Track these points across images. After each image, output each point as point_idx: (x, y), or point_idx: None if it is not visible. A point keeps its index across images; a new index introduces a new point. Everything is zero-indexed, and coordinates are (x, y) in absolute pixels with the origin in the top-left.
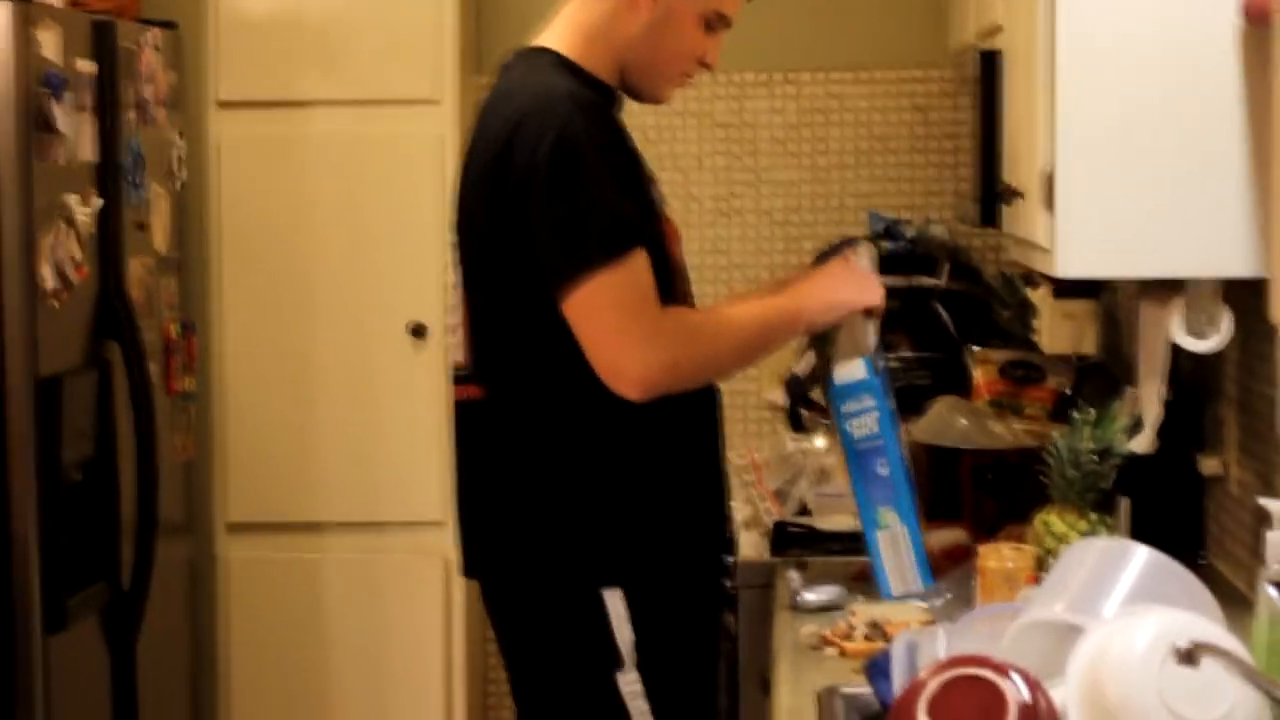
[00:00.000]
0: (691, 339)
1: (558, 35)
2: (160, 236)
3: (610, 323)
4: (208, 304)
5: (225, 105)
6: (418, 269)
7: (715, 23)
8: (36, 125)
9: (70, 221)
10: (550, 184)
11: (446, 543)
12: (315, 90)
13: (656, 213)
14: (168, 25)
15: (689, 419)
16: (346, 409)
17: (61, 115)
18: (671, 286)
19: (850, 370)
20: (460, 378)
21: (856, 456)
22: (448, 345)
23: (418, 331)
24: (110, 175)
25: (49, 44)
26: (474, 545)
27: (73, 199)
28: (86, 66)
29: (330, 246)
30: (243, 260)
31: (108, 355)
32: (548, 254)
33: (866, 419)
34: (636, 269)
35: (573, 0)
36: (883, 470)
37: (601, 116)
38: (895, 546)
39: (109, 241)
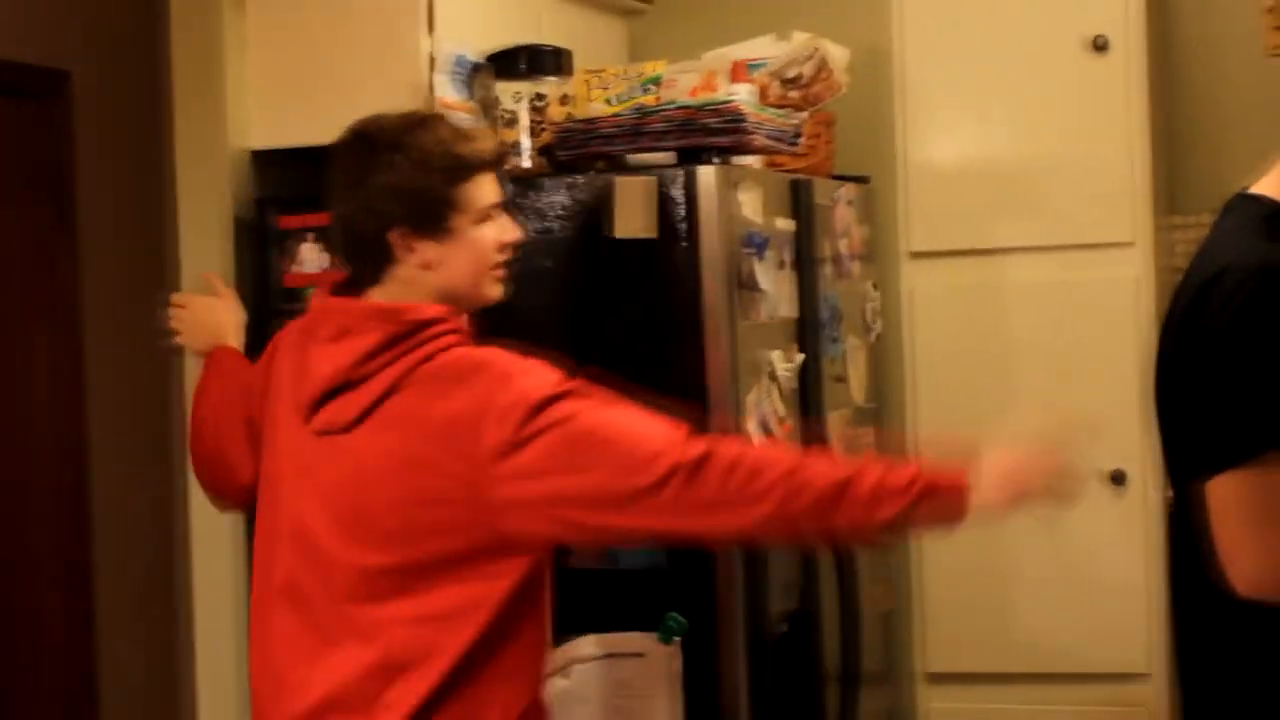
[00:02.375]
0: None
1: (1273, 180)
2: (858, 388)
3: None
4: (905, 454)
5: (918, 255)
6: (1118, 415)
7: None
8: (740, 284)
9: (774, 377)
10: (1221, 363)
11: (1150, 695)
12: (1007, 237)
13: None
14: (860, 180)
15: None
16: (1045, 557)
17: (762, 273)
18: None
19: None
20: None
21: None
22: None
23: (1117, 478)
24: (809, 329)
25: (750, 204)
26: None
27: (775, 354)
28: (785, 224)
29: (1027, 394)
30: (938, 410)
31: None
32: (1194, 433)
33: None
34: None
35: None
36: None
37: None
38: None
39: (810, 395)
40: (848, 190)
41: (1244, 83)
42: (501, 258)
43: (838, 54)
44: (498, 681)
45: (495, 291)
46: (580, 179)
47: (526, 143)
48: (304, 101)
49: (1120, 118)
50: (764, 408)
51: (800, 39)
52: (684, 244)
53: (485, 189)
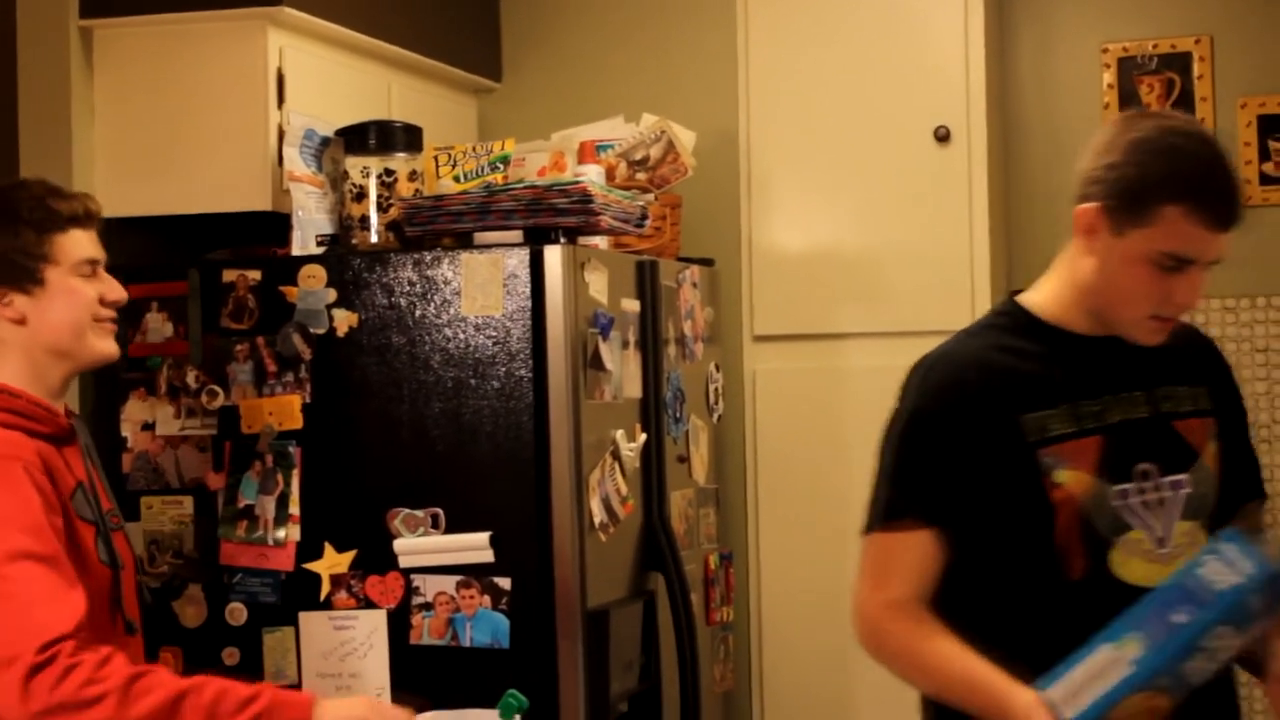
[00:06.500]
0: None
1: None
2: (700, 469)
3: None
4: (745, 534)
5: (761, 338)
6: None
7: (1170, 264)
8: (585, 363)
9: (617, 456)
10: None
11: None
12: (849, 322)
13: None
14: (705, 262)
15: None
16: None
17: (608, 353)
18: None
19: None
20: None
21: (1176, 584)
22: None
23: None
24: (653, 410)
25: (596, 284)
26: None
27: (619, 434)
28: (630, 305)
29: (865, 475)
30: (778, 491)
31: (651, 587)
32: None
33: (1227, 575)
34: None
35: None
36: (1178, 618)
37: (955, 378)
38: (1099, 673)
39: (652, 475)
40: (693, 272)
41: None
42: (106, 313)
43: (685, 137)
44: None
45: (106, 346)
46: (428, 255)
47: (375, 218)
48: (151, 171)
49: (962, 207)
50: (607, 486)
51: (649, 121)
52: (530, 323)
53: (80, 243)
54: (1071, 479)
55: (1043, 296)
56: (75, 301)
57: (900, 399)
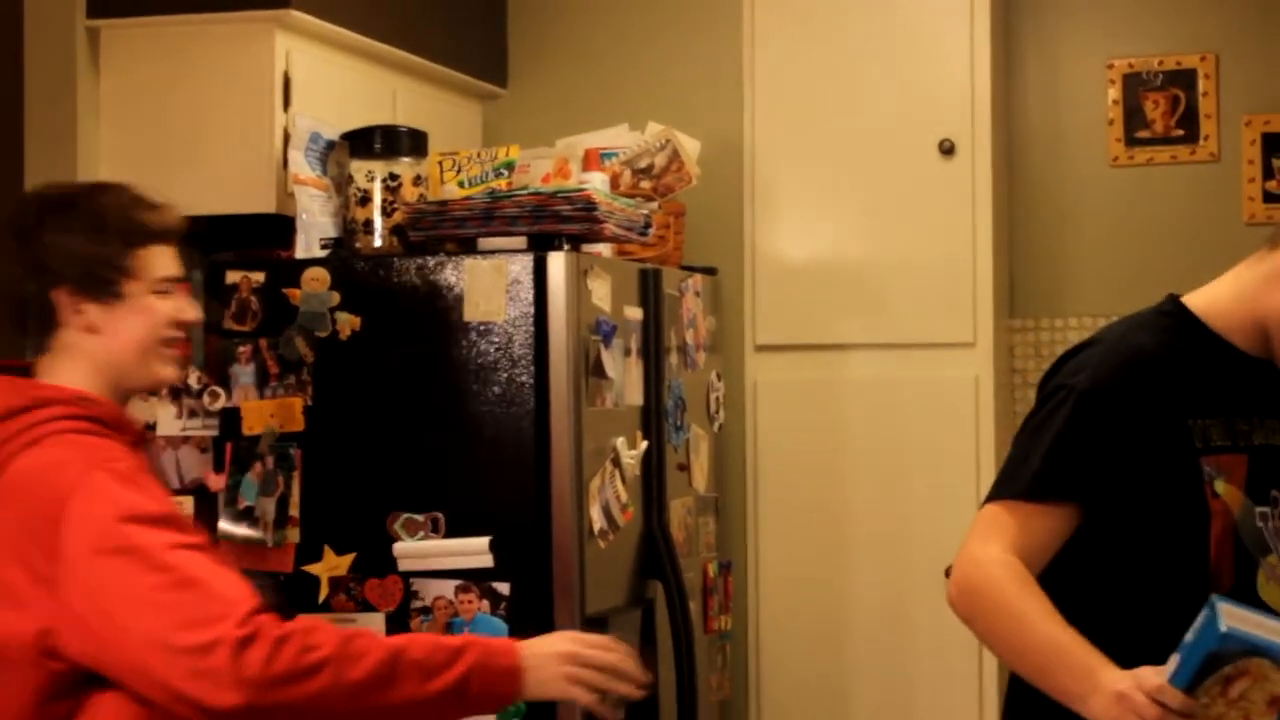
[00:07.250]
0: (975, 600)
1: (1201, 297)
2: (700, 477)
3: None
4: (744, 543)
5: (763, 348)
6: (953, 510)
7: None
8: (588, 370)
9: (618, 463)
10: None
11: None
12: (851, 333)
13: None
14: (708, 271)
15: None
16: (881, 648)
17: (610, 360)
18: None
19: None
20: None
21: None
22: None
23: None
24: (654, 417)
25: (599, 292)
26: None
27: (620, 441)
28: (633, 313)
29: (865, 487)
30: (778, 500)
31: (650, 595)
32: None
33: None
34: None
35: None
36: None
37: (1132, 368)
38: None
39: (652, 483)
40: (696, 281)
41: (1086, 190)
42: (174, 334)
43: (690, 145)
44: None
45: (166, 372)
46: (431, 260)
47: (379, 222)
48: (156, 172)
49: (965, 220)
50: (607, 493)
51: (653, 129)
52: (532, 329)
53: (162, 259)
54: (1227, 492)
55: (1210, 304)
56: (148, 320)
57: (1063, 375)
